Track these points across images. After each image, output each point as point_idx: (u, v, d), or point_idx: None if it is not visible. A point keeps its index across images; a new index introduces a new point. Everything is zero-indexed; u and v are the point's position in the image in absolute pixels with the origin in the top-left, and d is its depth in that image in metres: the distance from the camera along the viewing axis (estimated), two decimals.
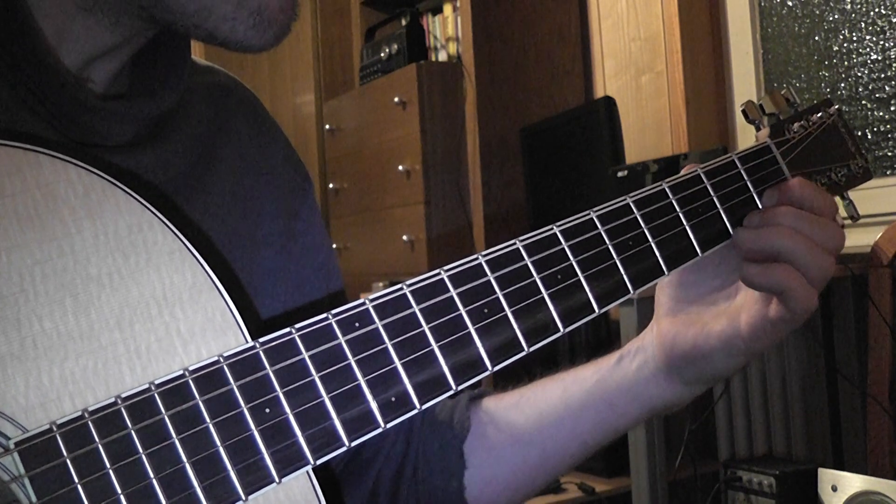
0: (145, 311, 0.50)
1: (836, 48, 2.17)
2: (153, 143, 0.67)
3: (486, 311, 0.56)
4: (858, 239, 1.88)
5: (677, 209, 0.65)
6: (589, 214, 0.62)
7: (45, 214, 0.50)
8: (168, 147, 0.68)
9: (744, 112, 0.75)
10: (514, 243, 0.59)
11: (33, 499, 0.45)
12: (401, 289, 0.54)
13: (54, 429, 0.47)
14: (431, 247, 2.69)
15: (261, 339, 0.51)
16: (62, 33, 0.62)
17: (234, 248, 0.70)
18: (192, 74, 0.73)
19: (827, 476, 1.46)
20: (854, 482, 1.42)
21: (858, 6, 2.12)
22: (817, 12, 2.21)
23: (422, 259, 2.69)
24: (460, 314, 0.55)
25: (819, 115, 0.75)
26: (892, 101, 2.06)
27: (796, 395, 1.95)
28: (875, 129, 2.09)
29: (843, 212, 0.79)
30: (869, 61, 2.10)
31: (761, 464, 1.80)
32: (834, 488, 1.44)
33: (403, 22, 3.05)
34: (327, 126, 3.23)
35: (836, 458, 1.93)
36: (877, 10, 2.08)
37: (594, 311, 0.60)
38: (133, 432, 0.48)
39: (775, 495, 1.71)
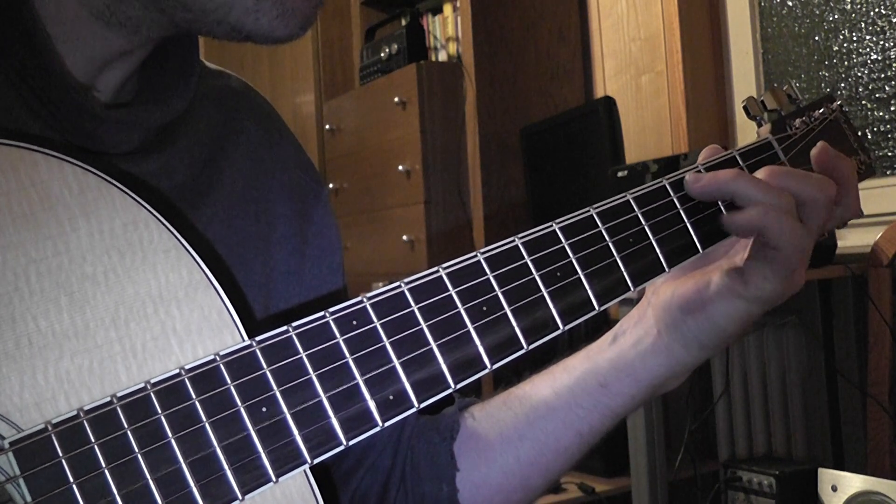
0: (141, 309, 0.50)
1: (836, 48, 2.17)
2: (159, 151, 0.66)
3: (484, 308, 0.56)
4: (858, 239, 1.88)
5: (678, 206, 0.65)
6: (589, 211, 0.61)
7: (40, 213, 0.49)
8: (174, 154, 0.67)
9: (745, 108, 0.74)
10: (514, 240, 0.58)
11: (28, 499, 0.45)
12: (399, 286, 0.54)
13: (49, 428, 0.46)
14: (431, 247, 2.69)
15: (257, 338, 0.51)
16: (73, 40, 0.61)
17: (248, 250, 0.69)
18: (203, 79, 0.72)
19: (827, 476, 1.46)
20: (854, 482, 1.41)
21: (858, 6, 2.11)
22: (817, 12, 2.21)
23: (422, 259, 2.69)
24: (459, 312, 0.55)
25: (821, 110, 0.74)
26: (892, 101, 2.05)
27: (796, 395, 1.94)
28: (875, 129, 2.09)
29: None
30: (869, 61, 2.10)
31: (761, 464, 1.80)
32: (834, 488, 1.44)
33: (403, 22, 3.05)
34: (327, 126, 3.22)
35: (836, 458, 1.92)
36: (877, 10, 2.08)
37: (594, 309, 0.60)
38: (129, 432, 0.47)
39: (775, 495, 1.71)
